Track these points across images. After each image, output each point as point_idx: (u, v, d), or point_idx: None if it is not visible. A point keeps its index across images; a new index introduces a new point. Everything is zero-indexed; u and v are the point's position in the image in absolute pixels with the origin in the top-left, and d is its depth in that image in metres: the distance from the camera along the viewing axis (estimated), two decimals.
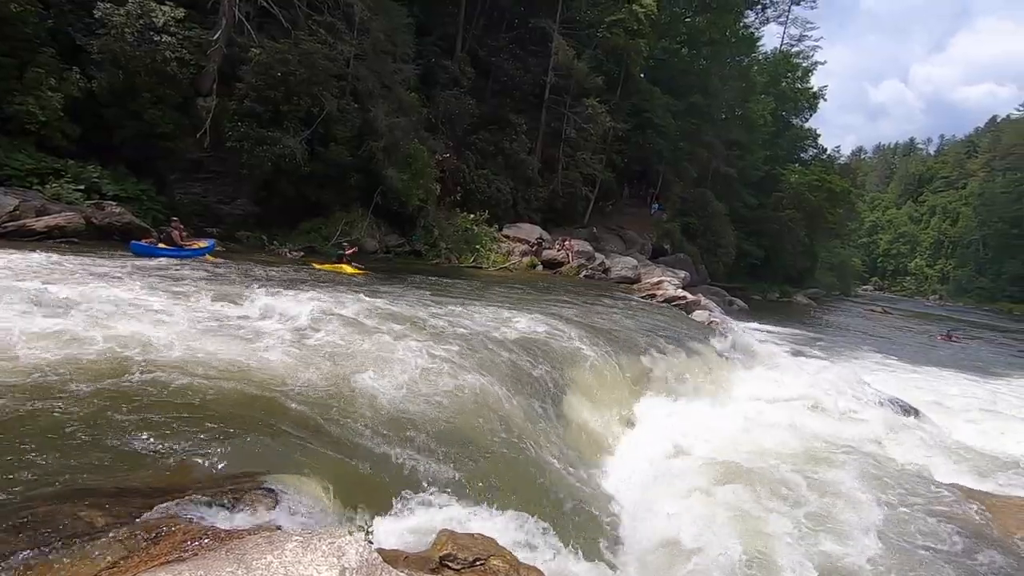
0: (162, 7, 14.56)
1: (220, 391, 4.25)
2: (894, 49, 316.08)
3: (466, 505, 3.87)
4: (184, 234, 12.64)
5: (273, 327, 6.29)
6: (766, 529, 4.58)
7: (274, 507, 3.07)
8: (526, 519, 3.93)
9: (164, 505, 2.77)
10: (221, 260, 12.39)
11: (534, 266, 22.68)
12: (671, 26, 37.14)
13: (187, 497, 2.86)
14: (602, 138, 29.89)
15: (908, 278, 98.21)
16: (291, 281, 10.52)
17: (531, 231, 24.98)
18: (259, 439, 3.73)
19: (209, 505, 2.87)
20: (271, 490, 3.24)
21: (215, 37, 15.28)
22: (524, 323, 8.95)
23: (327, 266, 13.94)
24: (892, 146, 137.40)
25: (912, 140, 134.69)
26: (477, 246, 21.82)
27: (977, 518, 5.19)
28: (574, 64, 27.39)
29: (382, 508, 3.61)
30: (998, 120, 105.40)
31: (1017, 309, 63.95)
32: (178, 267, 10.46)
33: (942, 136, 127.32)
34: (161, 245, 11.96)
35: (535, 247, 23.77)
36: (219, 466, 3.31)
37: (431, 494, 3.85)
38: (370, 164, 18.06)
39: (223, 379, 4.46)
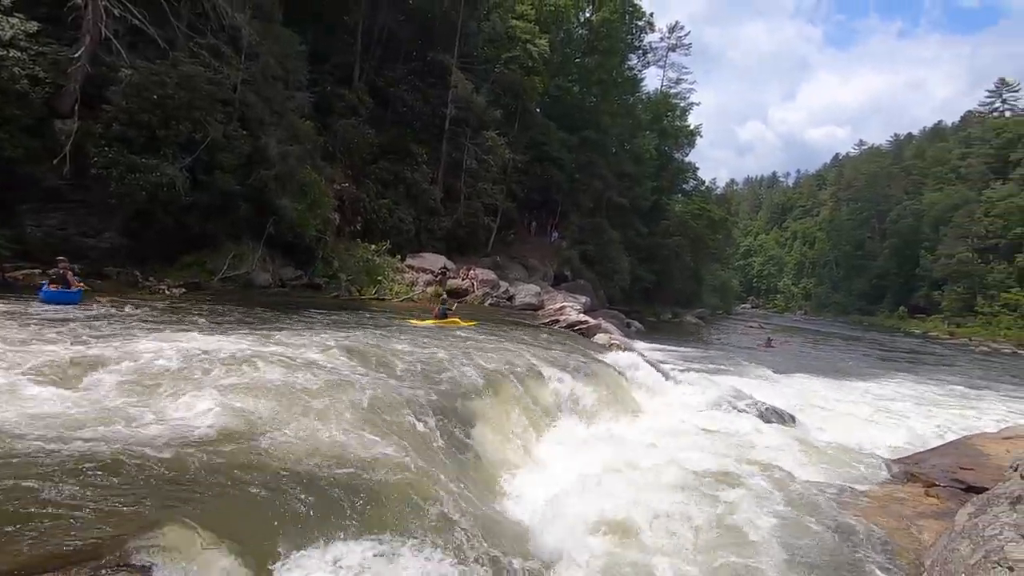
0: (10, 19, 12.99)
1: (75, 450, 3.72)
2: (754, 94, 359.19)
3: (370, 554, 3.64)
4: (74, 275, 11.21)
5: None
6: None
7: None
8: (434, 560, 3.78)
9: None
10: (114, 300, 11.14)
11: (439, 296, 22.48)
12: (564, 66, 39.51)
13: None
14: (502, 169, 30.71)
15: (778, 296, 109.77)
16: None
17: (435, 261, 24.84)
18: (125, 500, 3.29)
19: None
20: (142, 564, 2.87)
21: (76, 55, 13.85)
22: (425, 352, 8.80)
23: (436, 323, 13.12)
24: (759, 178, 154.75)
25: (774, 174, 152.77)
26: (379, 277, 21.24)
27: (848, 514, 5.75)
28: (473, 97, 28.06)
29: (273, 570, 3.30)
30: (840, 157, 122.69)
31: (865, 320, 73.77)
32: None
33: (798, 170, 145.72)
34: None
35: (439, 277, 23.63)
36: (75, 540, 2.86)
37: (330, 546, 3.58)
38: (261, 193, 17.09)
39: (74, 437, 3.92)
